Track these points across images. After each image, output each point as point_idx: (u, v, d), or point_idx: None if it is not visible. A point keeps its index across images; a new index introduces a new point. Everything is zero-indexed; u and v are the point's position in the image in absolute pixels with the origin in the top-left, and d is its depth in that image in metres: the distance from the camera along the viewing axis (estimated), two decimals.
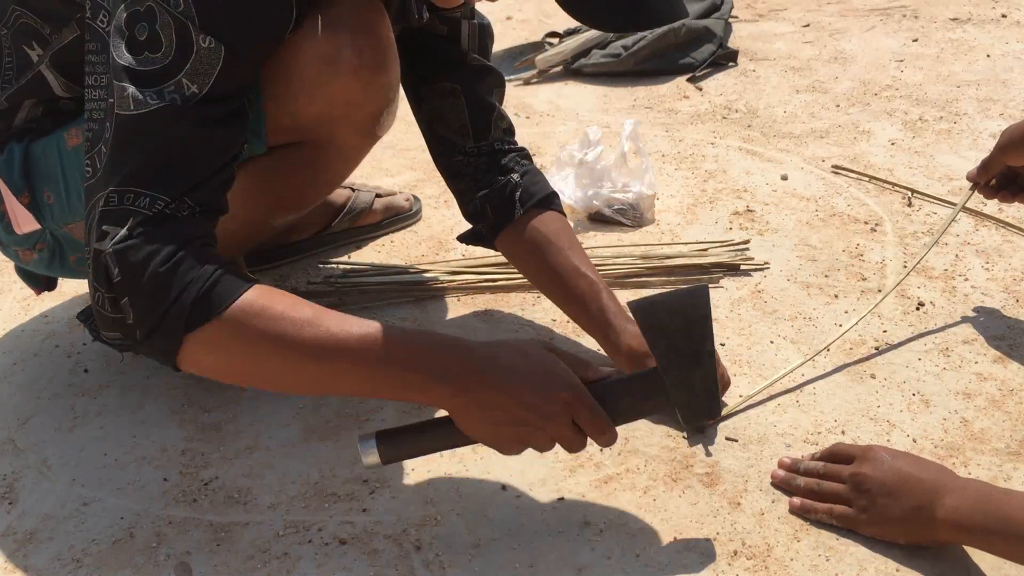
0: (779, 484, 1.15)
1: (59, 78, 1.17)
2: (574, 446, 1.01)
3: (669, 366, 1.00)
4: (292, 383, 1.01)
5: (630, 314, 1.04)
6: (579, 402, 0.98)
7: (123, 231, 0.94)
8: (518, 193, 1.36)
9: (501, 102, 1.42)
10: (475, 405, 0.97)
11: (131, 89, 0.95)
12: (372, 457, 1.01)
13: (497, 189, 1.37)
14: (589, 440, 1.00)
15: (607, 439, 1.00)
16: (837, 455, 1.13)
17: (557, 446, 1.01)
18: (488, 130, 1.38)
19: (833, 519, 1.08)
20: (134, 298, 0.95)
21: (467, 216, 1.44)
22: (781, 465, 1.17)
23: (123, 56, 0.96)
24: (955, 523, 0.99)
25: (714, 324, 1.02)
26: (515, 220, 1.36)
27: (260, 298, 0.96)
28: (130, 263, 0.94)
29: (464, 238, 1.47)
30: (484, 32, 1.41)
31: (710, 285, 0.97)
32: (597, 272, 1.32)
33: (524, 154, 1.42)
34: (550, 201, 1.38)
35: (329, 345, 0.95)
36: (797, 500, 1.11)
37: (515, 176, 1.37)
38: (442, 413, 1.02)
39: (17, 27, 1.16)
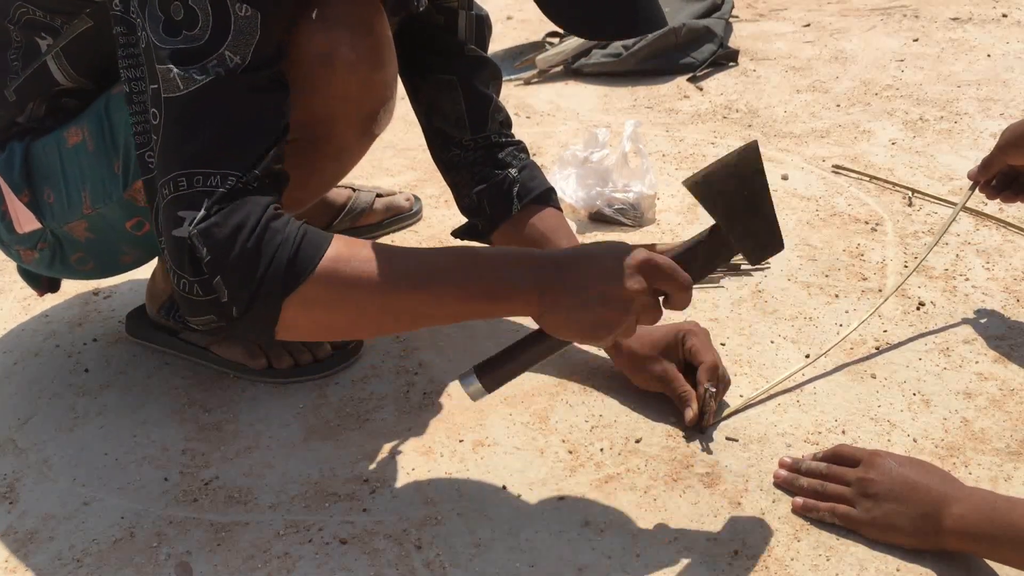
0: (782, 484, 1.15)
1: (64, 65, 1.17)
2: (656, 314, 1.00)
3: (733, 224, 1.03)
4: (393, 321, 1.02)
5: None
6: (653, 262, 0.99)
7: (201, 212, 0.94)
8: (515, 188, 1.35)
9: (498, 94, 1.42)
10: (561, 295, 0.98)
11: (175, 70, 0.95)
12: (475, 387, 1.03)
13: (494, 184, 1.36)
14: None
15: (687, 294, 1.00)
16: (840, 457, 1.13)
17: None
18: (485, 122, 1.38)
19: (836, 518, 1.08)
20: (227, 274, 0.94)
21: (463, 210, 1.43)
22: (782, 465, 1.17)
23: (163, 40, 0.96)
24: (962, 532, 0.99)
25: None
26: (512, 216, 1.36)
27: (346, 246, 0.97)
28: (217, 240, 0.93)
29: (459, 233, 1.46)
30: (482, 23, 1.40)
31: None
32: None
33: (521, 147, 1.41)
34: (548, 197, 1.37)
35: (422, 272, 0.98)
36: (800, 499, 1.11)
37: (512, 171, 1.36)
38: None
39: (23, 23, 1.16)
